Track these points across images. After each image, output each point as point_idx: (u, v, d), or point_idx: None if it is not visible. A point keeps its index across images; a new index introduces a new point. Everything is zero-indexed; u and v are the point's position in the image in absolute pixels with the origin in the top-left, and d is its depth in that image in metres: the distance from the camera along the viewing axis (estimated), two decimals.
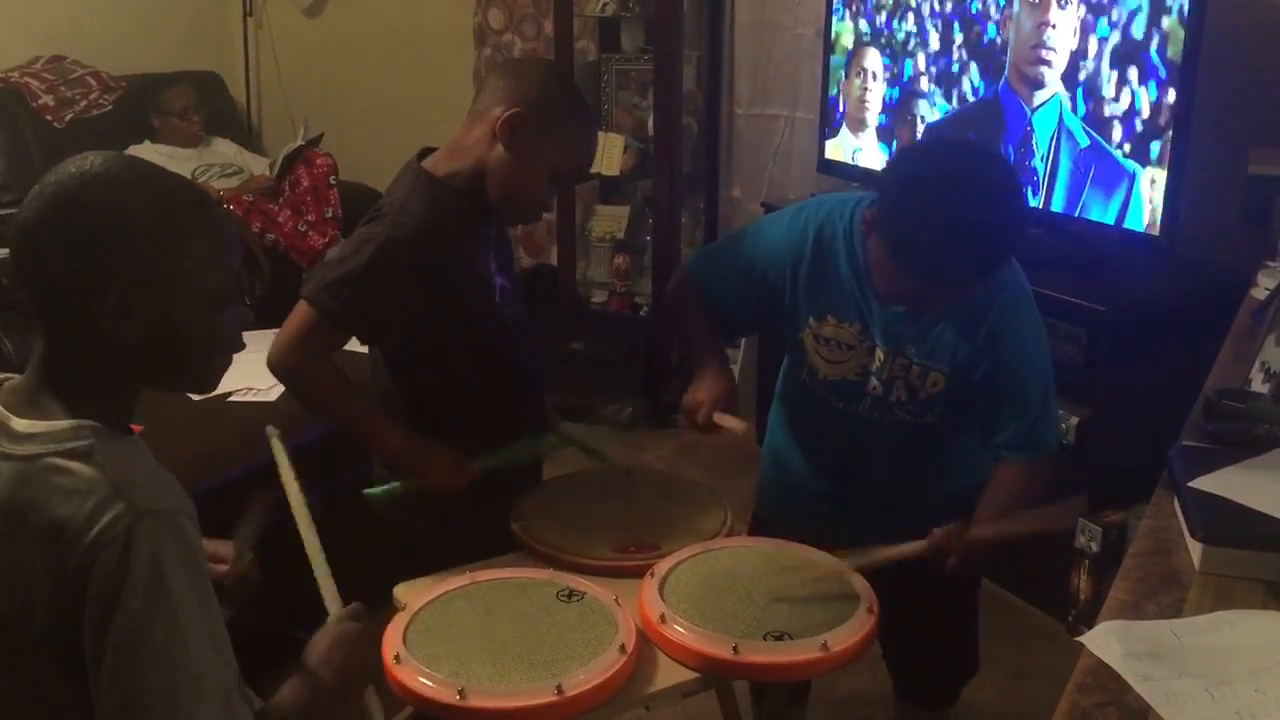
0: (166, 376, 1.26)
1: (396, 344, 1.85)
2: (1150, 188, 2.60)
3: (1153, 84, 2.56)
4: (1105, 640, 1.12)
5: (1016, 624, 2.84)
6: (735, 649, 1.49)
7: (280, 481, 1.66)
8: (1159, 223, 2.60)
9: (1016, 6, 2.84)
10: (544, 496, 1.92)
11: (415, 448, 1.81)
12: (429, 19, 4.67)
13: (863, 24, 3.33)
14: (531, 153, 1.77)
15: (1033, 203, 2.86)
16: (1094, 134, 2.71)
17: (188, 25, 4.78)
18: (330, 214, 4.05)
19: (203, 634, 1.14)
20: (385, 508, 1.81)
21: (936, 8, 3.07)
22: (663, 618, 1.55)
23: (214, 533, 1.44)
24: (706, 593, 1.62)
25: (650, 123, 4.04)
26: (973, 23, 2.98)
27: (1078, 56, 2.71)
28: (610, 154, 4.04)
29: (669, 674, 1.52)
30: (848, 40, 3.41)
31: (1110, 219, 2.70)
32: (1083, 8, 2.68)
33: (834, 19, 3.42)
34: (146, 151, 4.07)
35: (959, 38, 3.02)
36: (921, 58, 3.15)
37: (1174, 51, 2.50)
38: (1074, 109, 2.74)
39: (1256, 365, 1.77)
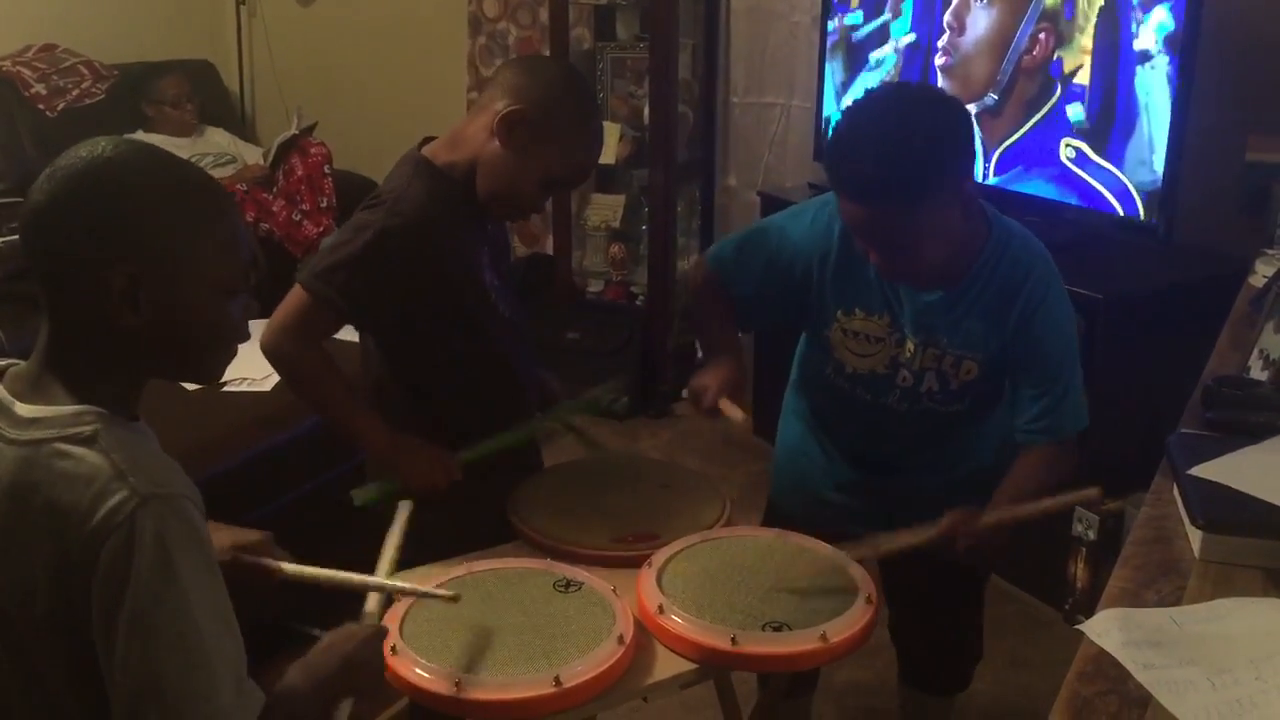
0: (170, 365, 1.25)
1: (390, 332, 1.85)
2: (1147, 175, 2.59)
3: (1151, 70, 2.55)
4: (1106, 628, 1.12)
5: (1013, 612, 2.84)
6: (734, 640, 1.48)
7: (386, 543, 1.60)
8: (1157, 210, 2.59)
9: None
10: (541, 486, 1.91)
11: (400, 448, 1.79)
12: (423, 6, 4.65)
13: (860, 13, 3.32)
14: (526, 152, 1.75)
15: (1027, 191, 2.87)
16: (1091, 123, 2.70)
17: (180, 13, 4.76)
18: (325, 203, 4.03)
19: (213, 616, 1.14)
20: (373, 508, 1.80)
21: None
22: (661, 608, 1.54)
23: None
24: (705, 583, 1.62)
25: (646, 111, 4.02)
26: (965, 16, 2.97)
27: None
28: (606, 143, 4.01)
29: (667, 665, 1.52)
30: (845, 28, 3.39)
31: (1108, 206, 2.70)
32: None
33: (830, 5, 3.41)
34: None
35: (951, 29, 3.01)
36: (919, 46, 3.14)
37: (1172, 38, 2.49)
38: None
39: (1255, 353, 1.77)
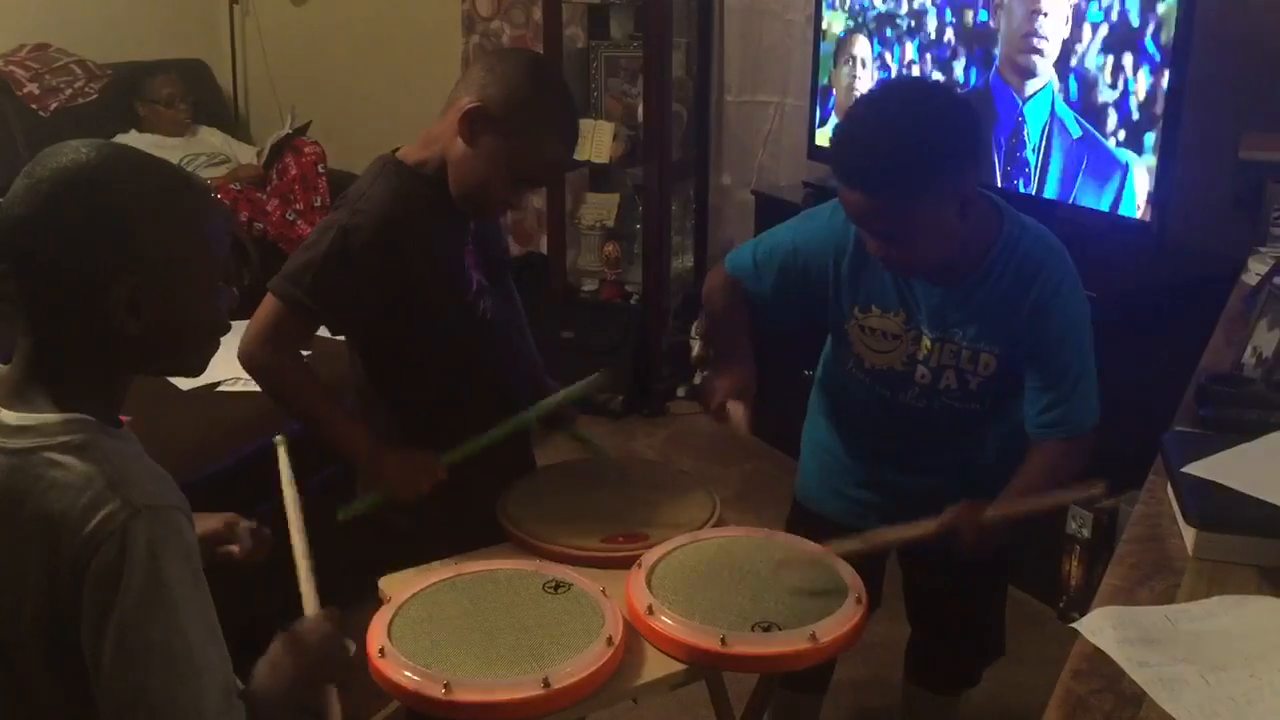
0: (161, 363, 1.25)
1: (362, 333, 1.83)
2: (1143, 175, 2.59)
3: (1146, 69, 2.54)
4: (1100, 626, 1.12)
5: (1007, 610, 2.83)
6: (723, 640, 1.47)
7: (281, 488, 1.65)
8: (1150, 208, 2.58)
9: None
10: (531, 487, 1.90)
11: (381, 459, 1.77)
12: (417, 6, 4.64)
13: (852, 10, 3.31)
14: (490, 149, 1.72)
15: (1024, 190, 2.86)
16: (1086, 124, 2.69)
17: (174, 13, 4.74)
18: (318, 203, 4.02)
19: (202, 629, 1.13)
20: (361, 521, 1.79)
21: None
22: (650, 609, 1.53)
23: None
24: (695, 583, 1.61)
25: (640, 110, 4.02)
26: (964, 9, 2.96)
27: (1070, 43, 2.70)
28: (600, 142, 4.02)
29: (656, 666, 1.51)
30: (838, 27, 3.39)
31: (1104, 206, 2.69)
32: None
33: (823, 5, 3.41)
34: (133, 140, 4.03)
35: (950, 24, 3.00)
36: (911, 46, 3.13)
37: (1166, 36, 2.48)
38: (1066, 98, 2.72)
39: (1248, 350, 1.77)
